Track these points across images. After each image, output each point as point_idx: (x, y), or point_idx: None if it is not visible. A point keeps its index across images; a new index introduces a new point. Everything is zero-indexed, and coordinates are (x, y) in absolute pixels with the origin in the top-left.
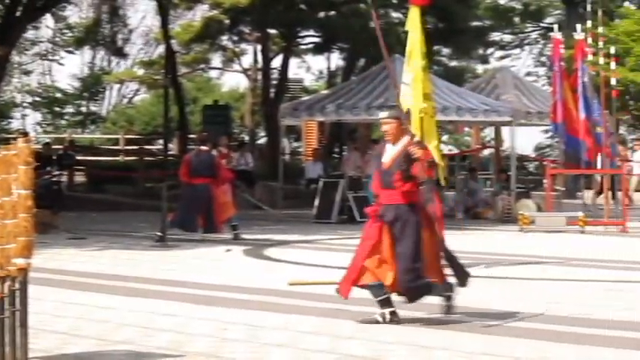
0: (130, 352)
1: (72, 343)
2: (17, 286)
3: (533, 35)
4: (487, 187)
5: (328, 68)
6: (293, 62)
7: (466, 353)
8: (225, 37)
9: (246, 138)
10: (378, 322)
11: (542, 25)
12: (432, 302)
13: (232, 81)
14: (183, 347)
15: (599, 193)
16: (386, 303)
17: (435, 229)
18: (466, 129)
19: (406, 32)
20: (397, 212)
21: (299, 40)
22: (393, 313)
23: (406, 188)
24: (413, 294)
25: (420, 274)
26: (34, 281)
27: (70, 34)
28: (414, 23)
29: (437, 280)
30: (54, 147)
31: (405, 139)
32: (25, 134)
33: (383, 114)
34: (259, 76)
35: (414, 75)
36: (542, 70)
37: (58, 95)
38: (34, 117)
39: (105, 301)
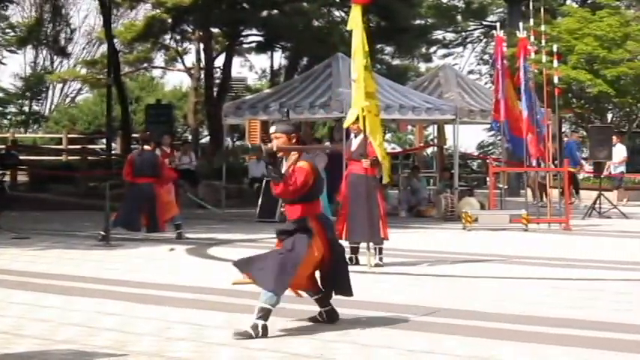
0: (73, 351)
1: (15, 343)
2: None
3: (476, 33)
4: (430, 185)
5: (271, 67)
6: (236, 61)
7: (408, 351)
8: (167, 36)
9: (190, 137)
10: (318, 321)
11: (484, 23)
12: (376, 301)
13: (175, 80)
14: (126, 346)
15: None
16: (321, 302)
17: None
18: (409, 127)
19: (350, 31)
20: (288, 227)
21: (242, 39)
22: (322, 313)
23: (293, 203)
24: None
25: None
26: None
27: (12, 34)
28: (355, 22)
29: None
30: None
31: (294, 156)
32: None
33: (272, 128)
34: (202, 75)
35: (357, 74)
36: (485, 68)
37: (0, 95)
38: None
39: (48, 300)
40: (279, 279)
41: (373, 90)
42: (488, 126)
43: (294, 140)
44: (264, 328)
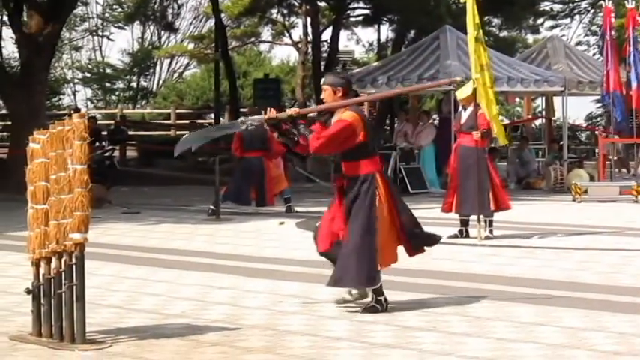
0: (185, 325)
1: (128, 317)
2: (74, 260)
3: (583, 4)
4: (539, 157)
5: (378, 40)
6: (343, 34)
7: (520, 323)
8: (274, 11)
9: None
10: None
11: None
12: (487, 273)
13: (282, 54)
14: (238, 320)
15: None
16: None
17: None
18: (517, 99)
19: (456, 3)
20: (351, 185)
21: (349, 12)
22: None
23: (352, 160)
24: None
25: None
26: (89, 256)
27: (120, 10)
28: None
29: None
30: (104, 122)
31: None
32: (77, 110)
33: (322, 79)
34: (309, 49)
35: (469, 46)
36: (592, 40)
37: (109, 71)
38: (84, 93)
39: (159, 274)
40: (367, 270)
41: (486, 61)
42: (597, 97)
43: (339, 94)
44: (386, 300)
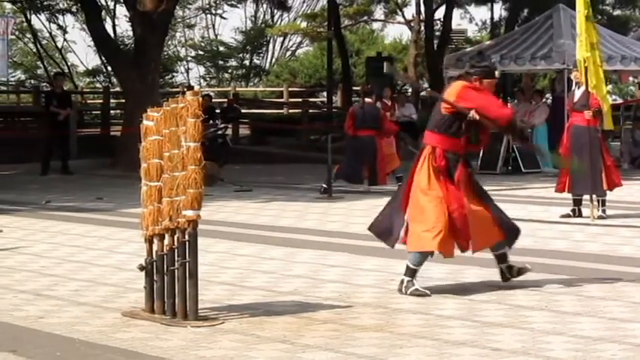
0: (297, 302)
1: (240, 294)
2: (187, 237)
3: None
4: None
5: (491, 19)
6: (456, 13)
7: (634, 304)
8: None
9: (410, 90)
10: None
11: None
12: (599, 253)
13: (395, 32)
14: (350, 298)
15: None
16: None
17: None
18: (630, 78)
19: None
20: None
21: None
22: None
23: None
24: None
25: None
26: (201, 233)
27: None
28: None
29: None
30: (217, 100)
31: None
32: (190, 88)
33: None
34: (422, 28)
35: (579, 24)
36: None
37: (222, 49)
38: (197, 71)
39: (271, 252)
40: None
41: (596, 40)
42: None
43: None
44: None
